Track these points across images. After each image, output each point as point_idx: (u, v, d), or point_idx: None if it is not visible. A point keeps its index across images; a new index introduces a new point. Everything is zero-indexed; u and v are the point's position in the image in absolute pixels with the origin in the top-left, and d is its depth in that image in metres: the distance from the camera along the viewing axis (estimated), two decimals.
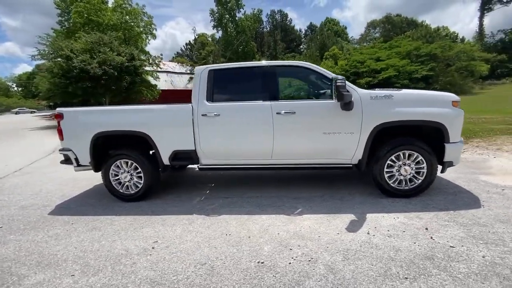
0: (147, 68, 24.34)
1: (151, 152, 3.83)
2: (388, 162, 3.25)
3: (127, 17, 28.34)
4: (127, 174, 3.68)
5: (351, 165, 3.41)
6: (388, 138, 3.27)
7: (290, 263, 2.17)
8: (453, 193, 3.39)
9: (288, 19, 58.61)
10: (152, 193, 3.81)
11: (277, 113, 3.30)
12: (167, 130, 3.54)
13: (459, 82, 27.14)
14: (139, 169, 3.64)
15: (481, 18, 43.62)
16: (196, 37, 45.89)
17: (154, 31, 30.13)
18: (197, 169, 3.73)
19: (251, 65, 3.66)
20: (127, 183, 3.72)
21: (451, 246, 2.27)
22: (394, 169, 3.28)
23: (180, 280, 2.04)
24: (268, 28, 55.57)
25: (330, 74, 3.36)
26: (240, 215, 3.13)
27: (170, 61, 45.31)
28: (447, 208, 2.97)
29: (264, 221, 2.92)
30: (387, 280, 1.91)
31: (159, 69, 31.76)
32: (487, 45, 40.69)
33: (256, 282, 1.97)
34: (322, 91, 3.51)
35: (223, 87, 3.58)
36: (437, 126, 3.13)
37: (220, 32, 37.23)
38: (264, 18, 48.25)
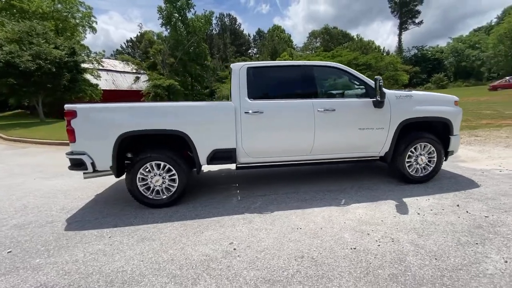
0: (85, 65, 21.61)
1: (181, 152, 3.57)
2: (409, 153, 3.76)
3: (60, 5, 24.76)
4: (159, 177, 3.36)
5: (378, 157, 3.82)
6: (406, 133, 3.77)
7: (379, 245, 2.37)
8: (451, 178, 4.09)
9: (237, 23, 59.47)
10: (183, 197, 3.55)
11: (318, 110, 3.49)
12: (207, 128, 3.36)
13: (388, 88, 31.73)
14: (173, 171, 3.36)
15: (399, 35, 52.19)
16: (139, 34, 42.66)
17: (94, 24, 27.02)
18: (234, 168, 3.64)
19: (289, 64, 3.77)
20: (157, 188, 3.39)
21: (485, 216, 2.80)
22: (412, 159, 3.80)
23: (293, 274, 2.03)
24: (217, 31, 55.33)
25: (361, 75, 3.72)
26: (292, 210, 3.19)
27: (110, 58, 41.06)
28: (458, 189, 3.60)
29: (321, 213, 3.06)
30: (466, 247, 2.27)
31: (101, 67, 28.56)
32: (405, 58, 48.66)
33: (364, 265, 2.11)
34: (354, 90, 3.84)
35: (262, 84, 3.58)
36: (445, 122, 3.77)
37: (169, 30, 35.40)
38: (213, 21, 47.85)
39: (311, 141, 3.54)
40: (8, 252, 2.52)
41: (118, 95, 32.15)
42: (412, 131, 3.81)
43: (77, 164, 3.26)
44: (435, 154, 3.80)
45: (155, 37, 37.61)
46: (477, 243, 2.32)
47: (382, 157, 3.83)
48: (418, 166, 3.83)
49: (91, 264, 2.29)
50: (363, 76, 3.80)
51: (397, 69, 34.16)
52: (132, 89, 35.22)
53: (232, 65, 3.62)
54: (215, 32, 54.72)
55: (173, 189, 3.41)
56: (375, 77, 3.47)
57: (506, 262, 2.06)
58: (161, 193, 3.41)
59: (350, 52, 35.87)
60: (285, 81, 3.70)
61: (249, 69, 3.52)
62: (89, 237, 2.77)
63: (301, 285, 1.92)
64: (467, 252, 2.20)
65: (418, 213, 2.95)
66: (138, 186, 3.33)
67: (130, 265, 2.25)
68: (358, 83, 3.76)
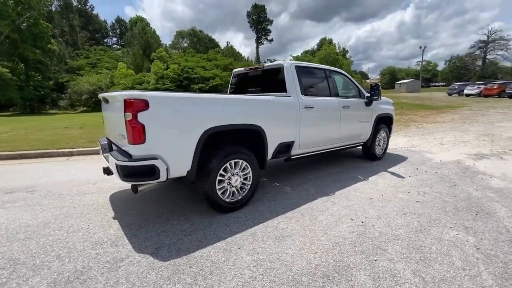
0: None
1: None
2: (377, 138, 5.33)
3: None
4: (237, 177, 3.07)
5: (363, 143, 5.15)
6: (377, 125, 5.29)
7: (419, 194, 3.55)
8: (389, 154, 6.09)
9: (89, 4, 48.43)
10: None
11: (342, 107, 4.32)
12: (277, 123, 3.40)
13: None
14: (248, 169, 3.17)
15: (257, 48, 61.65)
16: None
17: None
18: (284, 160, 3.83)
19: (320, 67, 4.32)
20: (233, 189, 3.08)
21: (435, 172, 4.65)
22: (379, 142, 5.41)
23: (411, 221, 2.80)
24: (59, 9, 42.83)
25: (354, 80, 4.88)
26: (345, 188, 3.88)
27: None
28: (402, 160, 5.51)
29: (360, 188, 3.92)
30: (450, 183, 3.86)
31: None
32: None
33: (422, 200, 3.19)
34: (351, 92, 4.92)
35: (305, 82, 3.95)
36: (390, 116, 5.63)
37: None
38: None
39: (338, 131, 4.33)
40: None
41: None
42: (379, 124, 5.39)
43: (145, 173, 2.43)
44: (387, 137, 5.61)
45: None
46: (454, 181, 3.99)
47: (365, 143, 5.21)
48: (381, 146, 5.50)
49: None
50: (355, 81, 4.99)
51: None
52: None
53: (282, 62, 3.79)
54: (56, 10, 42.16)
55: (247, 188, 3.20)
56: (376, 83, 4.73)
57: (476, 190, 3.75)
58: (236, 193, 3.11)
59: (223, 57, 38.61)
60: (318, 81, 4.26)
61: (297, 67, 3.83)
62: (216, 249, 2.27)
63: (417, 222, 2.73)
64: (457, 188, 3.78)
65: (410, 176, 4.44)
66: (217, 189, 2.91)
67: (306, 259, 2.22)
68: (351, 87, 4.90)
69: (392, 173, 4.59)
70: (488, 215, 2.97)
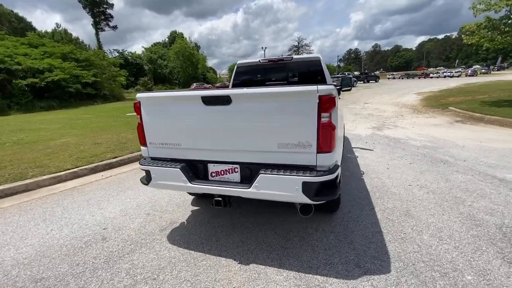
0: None
1: None
2: None
3: None
4: None
5: None
6: None
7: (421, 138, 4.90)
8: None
9: None
10: None
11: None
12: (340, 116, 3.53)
13: (117, 90, 31.32)
14: None
15: (97, 34, 50.22)
16: None
17: None
18: None
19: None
20: None
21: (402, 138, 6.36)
22: None
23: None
24: None
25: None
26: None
27: None
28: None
29: None
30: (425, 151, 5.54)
31: None
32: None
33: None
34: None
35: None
36: None
37: None
38: None
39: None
40: None
41: None
42: None
43: (331, 187, 2.05)
44: None
45: None
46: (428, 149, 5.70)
47: None
48: None
49: None
50: None
51: (118, 69, 34.24)
52: None
53: (317, 55, 3.84)
54: None
55: None
56: (350, 74, 5.61)
57: (418, 147, 5.58)
58: None
59: (56, 43, 29.35)
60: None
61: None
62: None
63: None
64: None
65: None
66: None
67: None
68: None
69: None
70: None
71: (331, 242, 2.50)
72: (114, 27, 52.64)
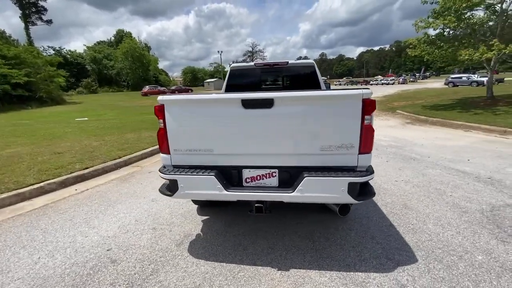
0: None
1: None
2: None
3: None
4: None
5: None
6: None
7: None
8: None
9: None
10: None
11: None
12: None
13: (56, 92, 27.65)
14: None
15: (27, 28, 43.28)
16: None
17: None
18: None
19: None
20: None
21: None
22: None
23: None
24: None
25: None
26: None
27: None
28: None
29: None
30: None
31: None
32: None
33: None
34: None
35: None
36: None
37: None
38: None
39: None
40: None
41: None
42: None
43: (367, 187, 2.17)
44: None
45: None
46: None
47: None
48: None
49: None
50: None
51: (55, 69, 30.24)
52: None
53: (311, 60, 3.98)
54: None
55: None
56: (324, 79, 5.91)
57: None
58: None
59: None
60: None
61: None
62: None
63: None
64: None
65: None
66: None
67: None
68: None
69: None
70: None
71: (354, 239, 2.62)
72: (49, 21, 46.26)
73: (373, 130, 2.04)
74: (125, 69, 52.25)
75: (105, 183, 4.47)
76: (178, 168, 2.26)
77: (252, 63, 4.24)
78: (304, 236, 2.70)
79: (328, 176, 2.00)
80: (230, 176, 2.22)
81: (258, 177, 2.20)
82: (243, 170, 2.20)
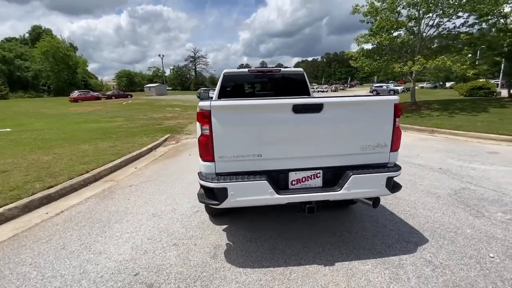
0: None
1: None
2: None
3: None
4: None
5: None
6: None
7: None
8: None
9: None
10: None
11: None
12: None
13: None
14: None
15: None
16: None
17: None
18: None
19: None
20: None
21: None
22: None
23: None
24: None
25: None
26: None
27: None
28: None
29: None
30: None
31: None
32: None
33: None
34: None
35: None
36: None
37: None
38: None
39: None
40: None
41: None
42: None
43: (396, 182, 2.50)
44: None
45: None
46: None
47: None
48: None
49: None
50: None
51: None
52: None
53: (300, 69, 4.25)
54: None
55: None
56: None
57: None
58: None
59: None
60: None
61: None
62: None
63: None
64: None
65: None
66: None
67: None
68: None
69: None
70: None
71: (371, 229, 2.93)
72: None
73: (401, 131, 2.37)
74: (45, 71, 44.93)
75: (80, 202, 3.85)
76: (222, 175, 2.19)
77: (246, 70, 4.30)
78: (328, 232, 2.88)
79: (372, 172, 2.24)
80: (277, 179, 2.26)
81: (303, 179, 2.29)
82: (289, 173, 2.27)
